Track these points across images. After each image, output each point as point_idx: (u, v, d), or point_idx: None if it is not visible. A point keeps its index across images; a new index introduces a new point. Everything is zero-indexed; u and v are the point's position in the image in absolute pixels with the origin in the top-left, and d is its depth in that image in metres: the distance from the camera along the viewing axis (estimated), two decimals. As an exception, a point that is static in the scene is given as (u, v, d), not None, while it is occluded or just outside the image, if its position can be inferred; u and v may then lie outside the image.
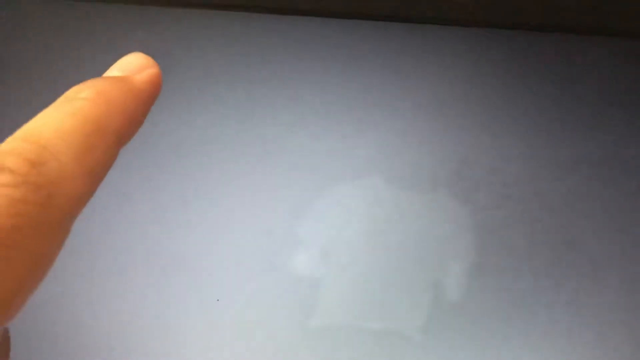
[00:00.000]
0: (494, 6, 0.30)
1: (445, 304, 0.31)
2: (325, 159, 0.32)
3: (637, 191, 0.31)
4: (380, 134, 0.32)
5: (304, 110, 0.32)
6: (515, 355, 0.30)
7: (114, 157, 0.15)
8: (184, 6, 0.32)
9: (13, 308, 0.12)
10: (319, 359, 0.30)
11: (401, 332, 0.30)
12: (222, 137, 0.32)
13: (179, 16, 0.32)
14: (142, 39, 0.32)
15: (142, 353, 0.31)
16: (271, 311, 0.31)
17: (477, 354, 0.30)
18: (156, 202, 0.32)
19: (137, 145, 0.31)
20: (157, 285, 0.31)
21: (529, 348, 0.30)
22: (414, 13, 0.30)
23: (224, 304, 0.31)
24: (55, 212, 0.13)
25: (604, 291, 0.31)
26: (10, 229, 0.12)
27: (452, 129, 0.32)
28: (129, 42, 0.32)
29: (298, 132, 0.32)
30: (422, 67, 0.33)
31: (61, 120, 0.14)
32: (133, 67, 0.16)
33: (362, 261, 0.31)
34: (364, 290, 0.31)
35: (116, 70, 0.16)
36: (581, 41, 0.33)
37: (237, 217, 0.31)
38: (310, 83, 0.32)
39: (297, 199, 0.31)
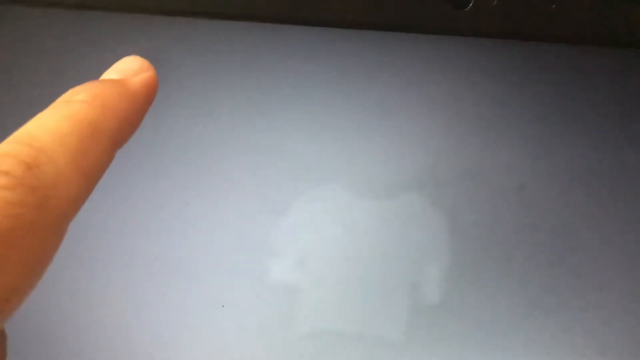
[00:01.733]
0: (484, 16, 0.30)
1: (425, 306, 0.31)
2: (302, 164, 0.32)
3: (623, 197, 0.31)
4: (354, 138, 0.33)
5: (280, 120, 0.33)
6: (495, 357, 0.30)
7: (109, 159, 0.15)
8: (182, 15, 0.32)
9: (8, 309, 0.12)
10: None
11: (382, 335, 0.30)
12: (207, 144, 0.32)
13: (178, 25, 0.32)
14: (142, 48, 0.33)
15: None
16: (250, 320, 0.31)
17: (459, 355, 0.30)
18: (142, 207, 0.32)
19: (133, 151, 0.31)
20: (141, 289, 0.31)
21: (508, 349, 0.30)
22: (387, 21, 0.30)
23: (205, 311, 0.31)
24: (50, 214, 0.13)
25: (589, 293, 0.31)
26: (6, 231, 0.12)
27: (425, 131, 0.33)
28: (129, 51, 0.32)
29: (277, 139, 0.32)
30: (399, 72, 0.33)
31: (57, 123, 0.14)
32: (129, 70, 0.17)
33: (340, 267, 0.32)
34: (342, 296, 0.31)
35: (112, 73, 0.17)
36: (576, 52, 0.33)
37: (213, 225, 0.32)
38: (292, 92, 0.33)
39: (270, 207, 0.32)
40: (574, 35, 0.31)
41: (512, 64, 0.32)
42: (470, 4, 0.28)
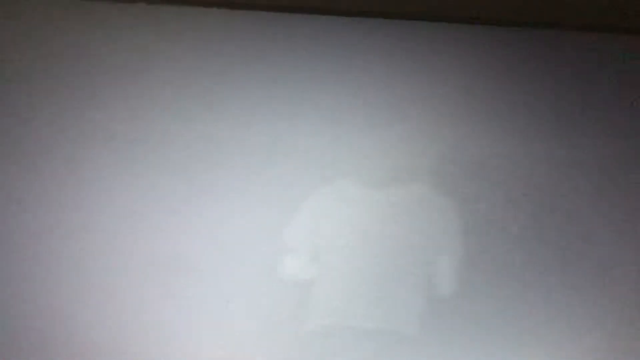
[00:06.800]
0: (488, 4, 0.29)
1: (438, 299, 0.30)
2: (313, 161, 0.31)
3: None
4: (364, 133, 0.32)
5: (290, 115, 0.32)
6: (508, 348, 0.30)
7: None
8: (184, 4, 0.31)
9: None
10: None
11: (396, 329, 0.30)
12: (217, 141, 0.32)
13: (180, 15, 0.31)
14: (144, 38, 0.32)
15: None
16: (265, 316, 0.30)
17: (472, 347, 0.30)
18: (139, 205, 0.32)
19: (142, 145, 0.31)
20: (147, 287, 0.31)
21: (521, 341, 0.30)
22: (397, 9, 0.29)
23: (219, 308, 0.30)
24: None
25: (607, 286, 0.30)
26: None
27: (436, 124, 0.32)
28: (131, 41, 0.31)
29: (286, 138, 0.32)
30: (407, 65, 0.32)
31: None
32: None
33: (352, 262, 0.31)
34: (356, 291, 0.31)
35: None
36: (574, 38, 0.32)
37: (228, 223, 0.31)
38: (297, 85, 0.32)
39: (284, 204, 0.31)
40: (592, 23, 0.30)
41: (524, 55, 0.31)
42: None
